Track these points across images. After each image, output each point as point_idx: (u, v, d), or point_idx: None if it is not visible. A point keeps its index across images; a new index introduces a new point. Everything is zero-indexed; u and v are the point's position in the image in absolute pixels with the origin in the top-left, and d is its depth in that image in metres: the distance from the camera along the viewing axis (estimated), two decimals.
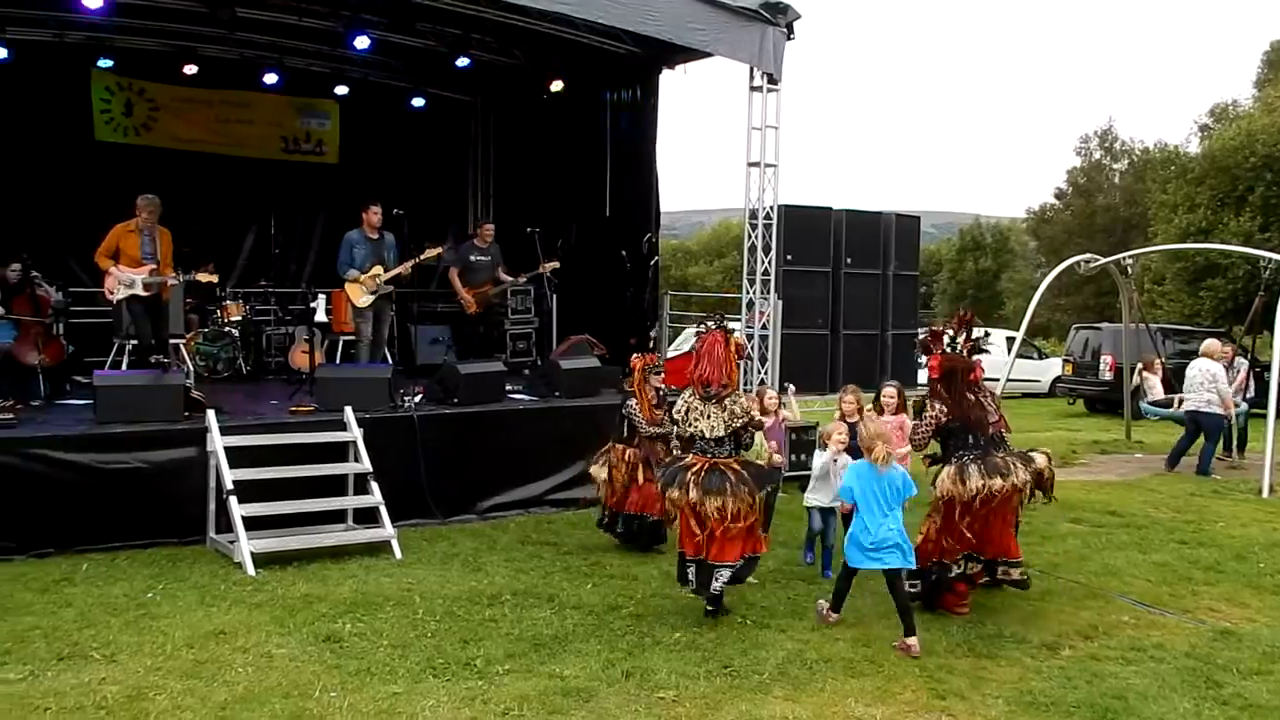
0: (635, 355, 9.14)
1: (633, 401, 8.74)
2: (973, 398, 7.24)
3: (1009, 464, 7.08)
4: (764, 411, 9.59)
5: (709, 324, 7.32)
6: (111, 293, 10.32)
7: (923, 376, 16.82)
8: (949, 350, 7.32)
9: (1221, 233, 29.31)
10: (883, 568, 6.70)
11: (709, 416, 6.99)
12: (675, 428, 7.41)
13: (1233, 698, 5.92)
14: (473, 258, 12.31)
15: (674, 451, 8.33)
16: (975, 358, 7.37)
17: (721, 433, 6.97)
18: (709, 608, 6.97)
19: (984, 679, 6.10)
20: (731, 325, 7.87)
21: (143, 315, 10.41)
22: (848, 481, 6.92)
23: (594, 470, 8.85)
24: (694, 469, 6.95)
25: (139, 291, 10.28)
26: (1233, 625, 7.24)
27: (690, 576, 7.03)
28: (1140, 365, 15.87)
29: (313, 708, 5.36)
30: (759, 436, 8.49)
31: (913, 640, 6.48)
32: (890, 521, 6.68)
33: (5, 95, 12.50)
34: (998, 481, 6.95)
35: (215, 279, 11.24)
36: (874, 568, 6.72)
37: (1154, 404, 15.06)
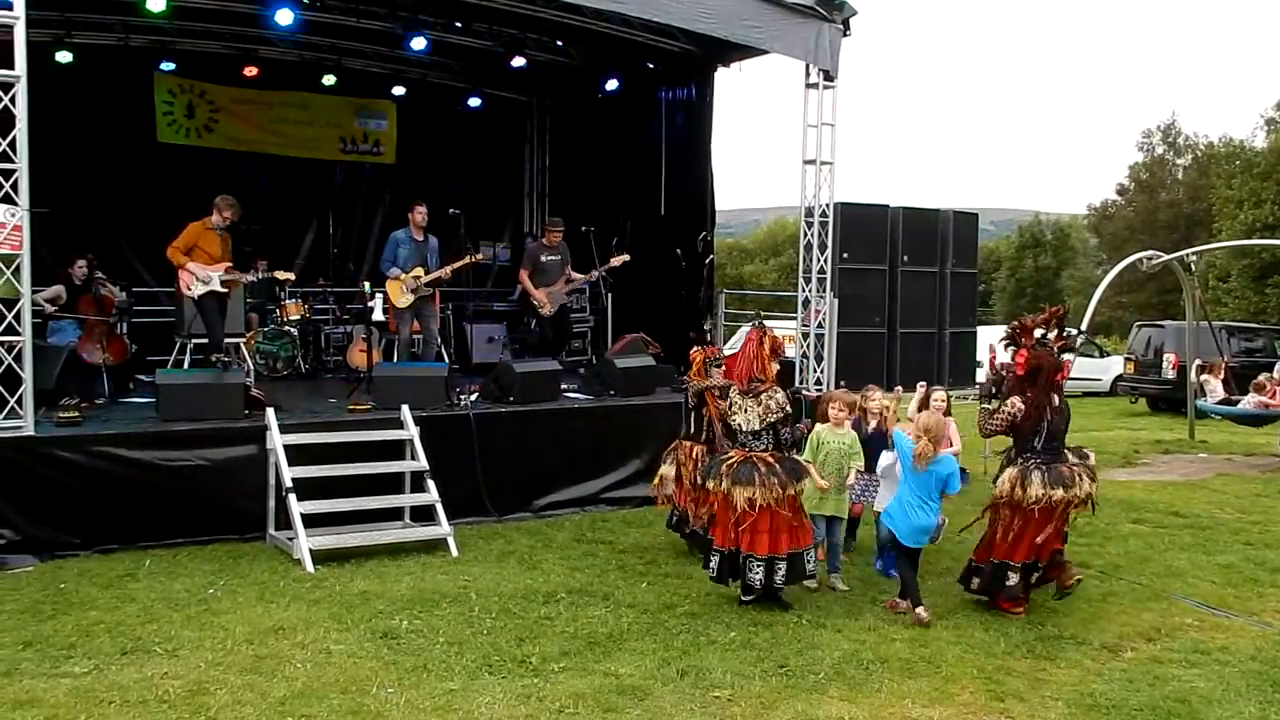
0: (695, 349, 8.90)
1: (693, 396, 8.48)
2: (1056, 400, 7.11)
3: (1075, 475, 6.97)
4: (866, 415, 8.73)
5: (755, 323, 7.59)
6: (189, 289, 10.48)
7: (981, 376, 16.71)
8: (1039, 346, 7.16)
9: None
10: (916, 546, 7.06)
11: (746, 410, 7.20)
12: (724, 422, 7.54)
13: None
14: (543, 258, 12.31)
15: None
16: (1065, 357, 7.26)
17: (757, 426, 7.15)
18: (743, 597, 7.16)
19: (1043, 681, 6.02)
20: (777, 324, 7.92)
21: (214, 312, 10.60)
22: (900, 449, 7.14)
23: (663, 469, 8.68)
24: (729, 461, 7.14)
25: (216, 288, 10.46)
26: None
27: (713, 564, 7.21)
28: (1200, 366, 15.56)
29: (370, 704, 5.40)
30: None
31: (923, 611, 6.86)
32: (930, 510, 6.98)
33: (71, 98, 12.75)
34: (1059, 493, 6.87)
35: (292, 276, 11.49)
36: (916, 546, 7.05)
37: (1217, 404, 14.77)
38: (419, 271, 11.09)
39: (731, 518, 7.05)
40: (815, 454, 7.74)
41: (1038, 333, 7.25)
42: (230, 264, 10.58)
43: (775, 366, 7.38)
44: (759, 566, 7.01)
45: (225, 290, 10.59)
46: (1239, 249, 29.87)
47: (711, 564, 7.23)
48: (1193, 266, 16.61)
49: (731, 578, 7.19)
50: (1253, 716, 5.61)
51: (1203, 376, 15.25)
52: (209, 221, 10.45)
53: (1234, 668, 6.28)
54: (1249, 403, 14.19)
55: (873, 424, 8.56)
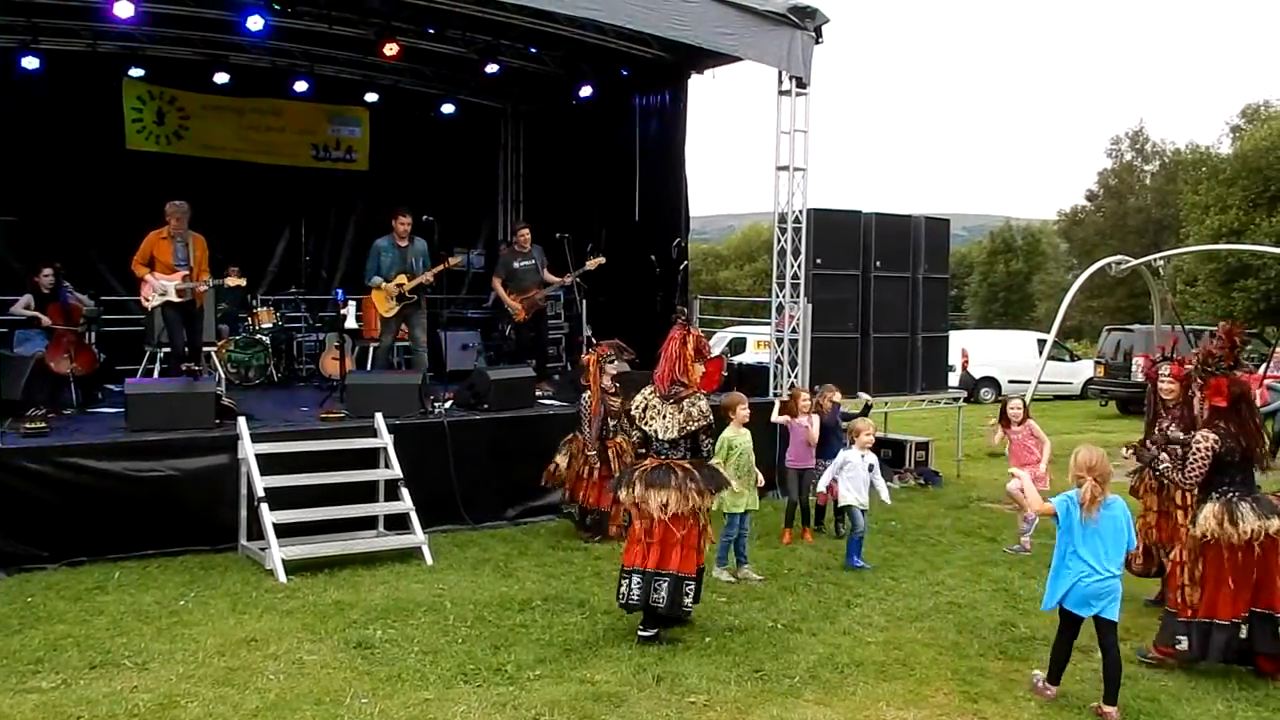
0: (587, 351, 9.33)
1: (586, 395, 9.04)
2: (1254, 425, 6.25)
3: (1275, 504, 6.13)
4: (795, 414, 9.73)
5: (678, 319, 7.04)
6: (147, 300, 10.38)
7: (953, 379, 16.83)
8: (1226, 370, 6.26)
9: (1254, 233, 29.05)
10: (1108, 618, 5.68)
11: (664, 416, 6.62)
12: (634, 425, 7.12)
13: (1266, 699, 5.89)
14: (515, 264, 12.24)
15: (634, 450, 8.59)
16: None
17: (675, 435, 6.59)
18: (641, 631, 6.54)
19: (1016, 682, 6.05)
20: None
21: (177, 322, 10.45)
22: (1061, 508, 5.68)
23: (558, 459, 9.25)
24: (642, 468, 6.68)
25: (172, 298, 10.32)
26: None
27: (624, 590, 6.55)
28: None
29: (344, 714, 5.36)
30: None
31: (1111, 709, 5.56)
32: (1113, 567, 5.64)
33: (38, 105, 12.68)
34: (1275, 522, 6.01)
35: (243, 282, 11.29)
36: (1105, 617, 5.67)
37: None
38: (402, 279, 10.98)
39: (643, 529, 6.52)
40: (726, 456, 7.92)
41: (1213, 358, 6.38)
42: (188, 272, 10.40)
43: (699, 368, 6.79)
44: (663, 584, 6.45)
45: (179, 300, 10.38)
46: (1206, 253, 30.18)
47: (623, 589, 6.56)
48: (1160, 271, 16.78)
49: (634, 602, 6.53)
50: (1220, 713, 5.69)
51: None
52: (165, 230, 10.33)
53: (1202, 666, 6.32)
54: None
55: (801, 422, 9.65)
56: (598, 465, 9.08)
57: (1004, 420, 9.60)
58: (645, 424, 6.74)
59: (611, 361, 9.03)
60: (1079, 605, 5.67)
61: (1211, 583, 6.14)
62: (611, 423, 9.01)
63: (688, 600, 6.57)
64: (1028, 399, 9.81)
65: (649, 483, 6.51)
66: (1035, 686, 5.92)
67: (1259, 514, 6.01)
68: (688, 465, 6.61)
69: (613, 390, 9.03)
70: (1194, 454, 6.15)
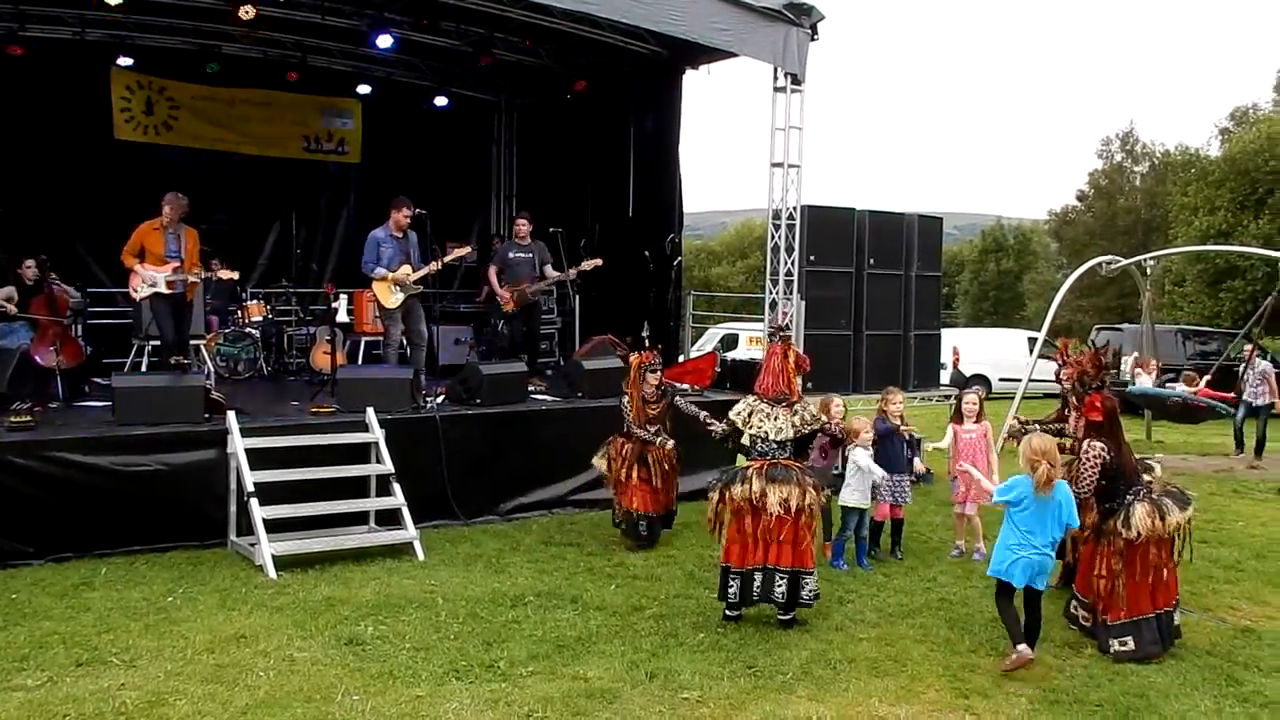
0: (633, 354, 9.18)
1: (624, 398, 8.86)
2: (1124, 438, 6.85)
3: (1184, 494, 6.78)
4: (888, 416, 9.12)
5: (776, 336, 7.44)
6: (136, 291, 10.29)
7: (944, 377, 16.82)
8: (1099, 387, 6.87)
9: (1241, 235, 29.15)
10: (1038, 588, 6.24)
11: (777, 419, 6.97)
12: (729, 430, 7.20)
13: (1253, 695, 5.91)
14: (511, 255, 12.14)
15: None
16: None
17: (789, 435, 6.96)
18: (782, 616, 6.86)
19: (1007, 677, 6.06)
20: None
21: (166, 314, 10.37)
22: (1014, 490, 6.25)
23: (595, 460, 9.05)
24: (756, 466, 6.91)
25: (162, 290, 10.24)
26: (1253, 623, 7.22)
27: (734, 591, 6.83)
28: (1134, 361, 15.81)
29: (335, 712, 5.31)
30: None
31: (1025, 647, 6.12)
32: (1051, 546, 6.22)
33: (24, 94, 12.55)
34: (1189, 513, 6.64)
35: (236, 275, 11.21)
36: (1034, 587, 6.20)
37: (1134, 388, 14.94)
38: (407, 269, 10.84)
39: (756, 526, 6.76)
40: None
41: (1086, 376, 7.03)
42: (185, 263, 10.34)
43: (799, 381, 7.30)
44: (761, 577, 6.77)
45: (169, 292, 10.30)
46: (1194, 255, 30.25)
47: (731, 589, 6.86)
48: (1149, 271, 16.80)
49: (743, 601, 6.86)
50: (1208, 709, 5.71)
51: (1135, 370, 15.46)
52: (158, 221, 10.23)
53: (1190, 662, 6.40)
54: (1179, 390, 14.49)
55: (895, 424, 8.96)
56: (637, 468, 8.79)
57: (957, 417, 9.13)
58: (751, 428, 7.01)
59: (654, 370, 8.87)
60: (1019, 577, 6.15)
61: (1138, 581, 6.50)
62: (651, 429, 8.78)
63: (805, 594, 6.82)
64: (1017, 400, 9.75)
65: (769, 479, 6.77)
66: (1010, 661, 6.12)
67: (1181, 507, 6.58)
68: (799, 465, 6.98)
69: (653, 399, 8.84)
70: (1083, 464, 6.57)
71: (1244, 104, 39.95)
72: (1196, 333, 23.71)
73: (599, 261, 12.18)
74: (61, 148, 12.86)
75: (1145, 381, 15.09)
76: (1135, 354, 16.15)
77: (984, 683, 5.96)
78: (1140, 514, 6.43)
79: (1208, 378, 15.17)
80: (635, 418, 8.77)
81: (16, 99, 12.50)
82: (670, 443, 8.73)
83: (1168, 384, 15.21)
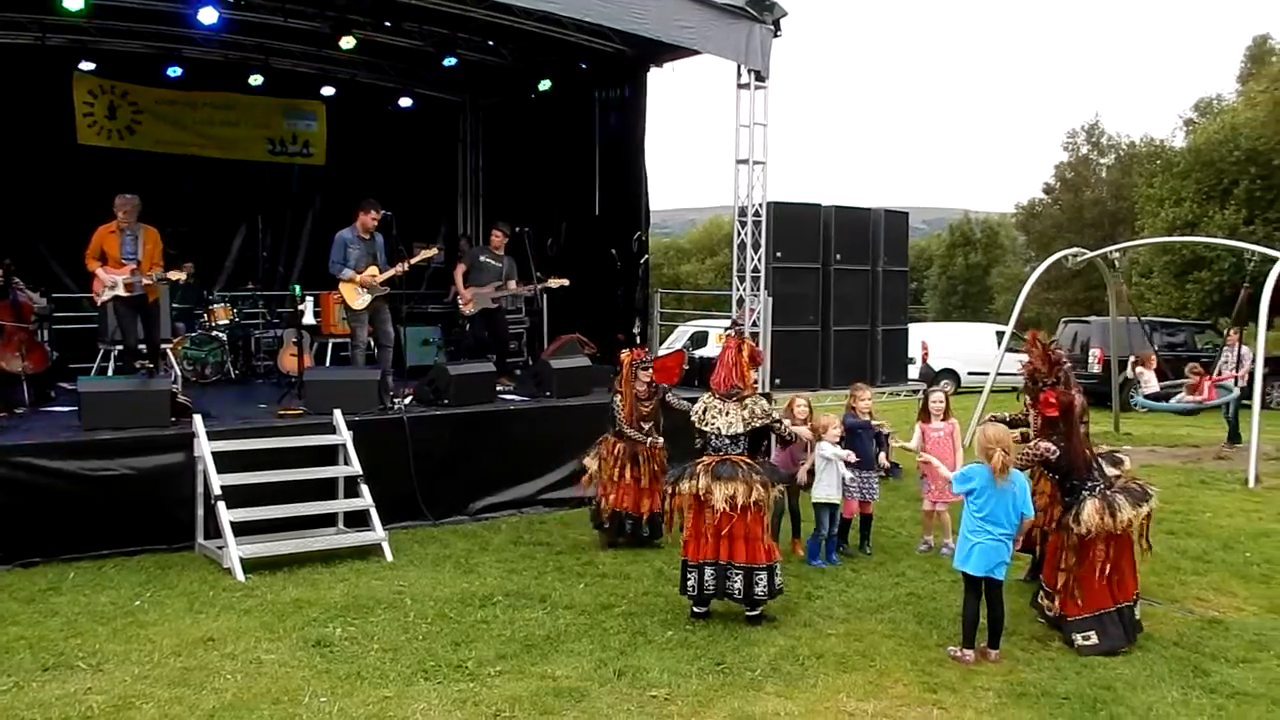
0: (624, 351, 9.15)
1: (617, 399, 8.82)
2: (1083, 433, 7.00)
3: (1145, 489, 6.84)
4: (857, 412, 9.22)
5: (731, 331, 7.47)
6: (99, 295, 10.22)
7: (913, 372, 16.94)
8: (1057, 384, 6.86)
9: (1207, 226, 29.39)
10: (998, 578, 6.31)
11: (727, 414, 7.01)
12: (696, 428, 7.25)
13: (1220, 686, 5.96)
14: (481, 258, 12.13)
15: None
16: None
17: (739, 430, 6.96)
18: (749, 613, 6.87)
19: (974, 671, 6.11)
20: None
21: (129, 317, 10.30)
22: (973, 480, 6.34)
23: (587, 461, 8.95)
24: (705, 462, 6.95)
25: (120, 292, 10.17)
26: (1220, 614, 7.28)
27: (692, 585, 6.88)
28: (1134, 359, 15.89)
29: (302, 714, 5.32)
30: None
31: (995, 651, 6.31)
32: (1008, 529, 6.30)
33: None
34: (1145, 509, 6.69)
35: (184, 276, 11.13)
36: (994, 578, 6.29)
37: (1149, 397, 15.09)
38: (374, 270, 10.81)
39: (708, 522, 6.80)
40: None
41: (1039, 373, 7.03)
42: (135, 266, 10.22)
43: (753, 375, 7.30)
44: (713, 573, 6.81)
45: (128, 294, 10.23)
46: (1161, 246, 30.51)
47: (689, 582, 6.90)
48: (1116, 263, 16.96)
49: (707, 594, 6.87)
50: (1175, 701, 5.75)
51: (1137, 369, 15.56)
52: (114, 224, 10.17)
53: (1157, 654, 6.45)
54: (1183, 398, 14.58)
55: (863, 419, 9.07)
56: (629, 468, 8.76)
57: (924, 416, 9.13)
58: (705, 424, 7.07)
59: (646, 368, 8.85)
60: (978, 567, 6.25)
61: (1096, 576, 6.55)
62: (645, 427, 8.74)
63: (759, 590, 6.78)
64: (985, 394, 9.82)
65: (715, 475, 6.79)
66: (953, 655, 6.30)
67: (1133, 503, 6.60)
68: (750, 460, 6.94)
69: (645, 395, 8.81)
70: (1024, 458, 6.65)
71: (1208, 95, 40.35)
72: (1164, 324, 23.89)
73: (565, 282, 12.19)
74: (25, 153, 12.77)
75: (1149, 378, 15.19)
76: (1132, 355, 16.16)
77: (952, 677, 6.01)
78: (1089, 510, 6.50)
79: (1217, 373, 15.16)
80: (627, 417, 8.74)
81: None
82: (660, 441, 8.75)
83: (1167, 389, 15.17)
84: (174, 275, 10.75)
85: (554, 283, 12.22)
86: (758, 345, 7.54)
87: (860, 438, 8.85)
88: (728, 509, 6.71)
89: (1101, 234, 39.57)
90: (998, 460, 6.21)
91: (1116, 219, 42.25)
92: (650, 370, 8.95)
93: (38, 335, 11.11)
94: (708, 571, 6.83)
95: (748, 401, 7.03)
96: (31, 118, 12.92)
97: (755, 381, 7.28)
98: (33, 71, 12.84)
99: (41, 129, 13.03)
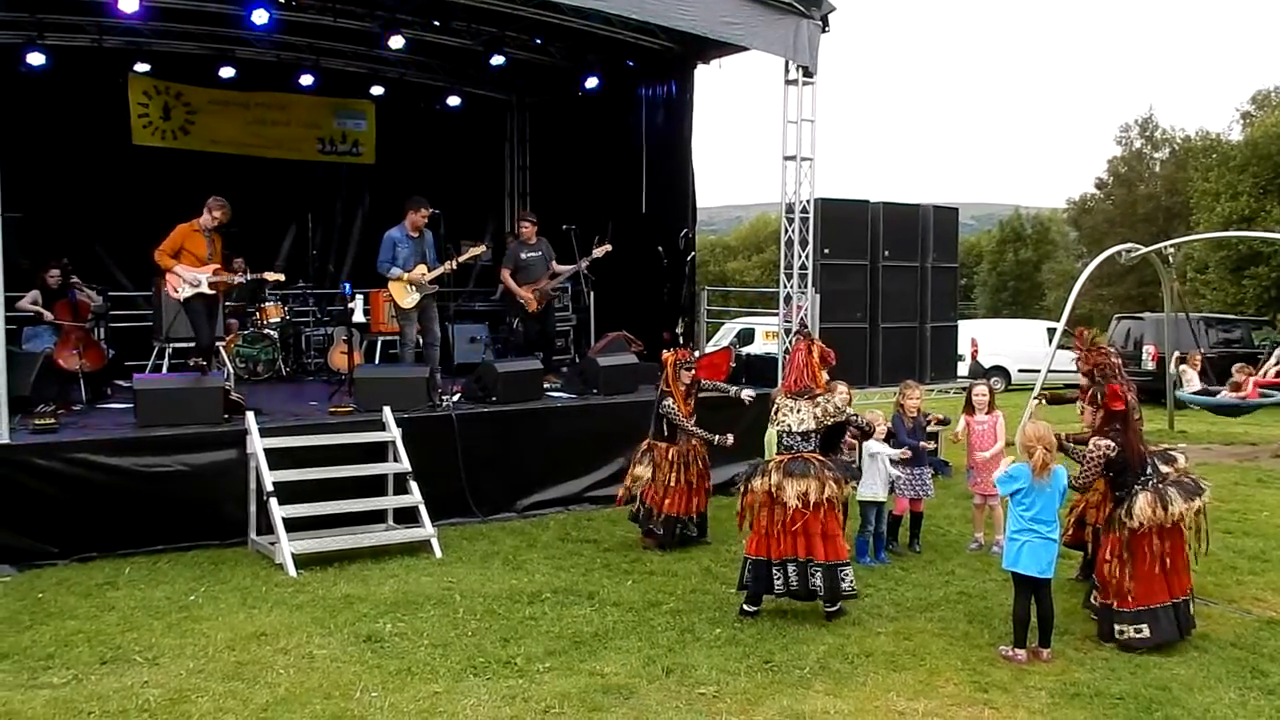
0: (666, 351, 9.12)
1: (669, 401, 8.68)
2: (1138, 427, 6.91)
3: (1197, 483, 6.79)
4: (905, 411, 9.12)
5: (799, 334, 7.46)
6: (176, 291, 10.33)
7: (963, 369, 16.78)
8: (1119, 379, 6.79)
9: (1264, 220, 28.88)
10: (1046, 577, 6.27)
11: (798, 411, 7.00)
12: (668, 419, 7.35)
13: (1279, 687, 5.85)
14: (523, 255, 12.17)
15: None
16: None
17: (811, 426, 6.95)
18: (829, 609, 6.85)
19: (1027, 671, 6.05)
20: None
21: (203, 315, 10.46)
22: (1017, 480, 6.29)
23: (638, 470, 8.75)
24: (777, 460, 6.93)
25: (205, 290, 10.34)
26: (1278, 615, 7.15)
27: (778, 582, 6.82)
28: (1177, 357, 15.66)
29: (354, 708, 5.36)
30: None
31: (1046, 650, 6.27)
32: (1054, 525, 6.30)
33: (43, 101, 12.71)
34: (1197, 503, 6.65)
35: (281, 278, 11.38)
36: (1045, 577, 6.25)
37: (1195, 394, 14.84)
38: (423, 269, 10.90)
39: (777, 519, 6.78)
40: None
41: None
42: (219, 266, 10.44)
43: (825, 375, 7.25)
44: (795, 570, 6.78)
45: (213, 293, 10.44)
46: (1216, 241, 30.00)
47: (746, 577, 6.94)
48: (1170, 259, 16.67)
49: (765, 591, 6.89)
50: (1232, 702, 5.65)
51: (1180, 367, 15.34)
52: (197, 223, 10.31)
53: (1214, 654, 6.34)
54: (1225, 395, 14.34)
55: (911, 420, 8.94)
56: (681, 472, 8.68)
57: (969, 408, 9.08)
58: (777, 423, 7.05)
59: (689, 368, 8.83)
60: (1029, 566, 6.20)
61: (1148, 569, 6.47)
62: (689, 425, 8.69)
63: (845, 585, 6.82)
64: (1036, 389, 9.69)
65: (787, 473, 6.78)
66: (1005, 654, 6.25)
67: (1185, 497, 6.57)
68: (821, 457, 6.92)
69: (690, 394, 8.79)
70: (1088, 458, 6.58)
71: (1265, 87, 39.67)
72: (1219, 320, 23.47)
73: (609, 247, 12.15)
74: (81, 154, 13.01)
75: (1191, 376, 14.98)
76: (1177, 352, 15.95)
77: (1003, 676, 5.94)
78: (1142, 503, 6.45)
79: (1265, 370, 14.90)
80: (686, 415, 8.67)
81: (37, 106, 12.66)
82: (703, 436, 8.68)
83: (1208, 389, 14.93)
84: (271, 276, 10.96)
85: (599, 251, 12.18)
86: (828, 350, 7.43)
87: (911, 436, 8.78)
88: (800, 505, 6.70)
89: (1155, 229, 38.98)
90: (1039, 458, 6.19)
91: (1171, 214, 41.62)
92: (693, 370, 8.92)
93: (95, 333, 11.29)
94: (790, 568, 6.79)
95: (820, 399, 7.02)
96: (88, 119, 13.17)
97: (827, 382, 7.23)
98: (89, 73, 13.08)
99: (97, 130, 13.27)
